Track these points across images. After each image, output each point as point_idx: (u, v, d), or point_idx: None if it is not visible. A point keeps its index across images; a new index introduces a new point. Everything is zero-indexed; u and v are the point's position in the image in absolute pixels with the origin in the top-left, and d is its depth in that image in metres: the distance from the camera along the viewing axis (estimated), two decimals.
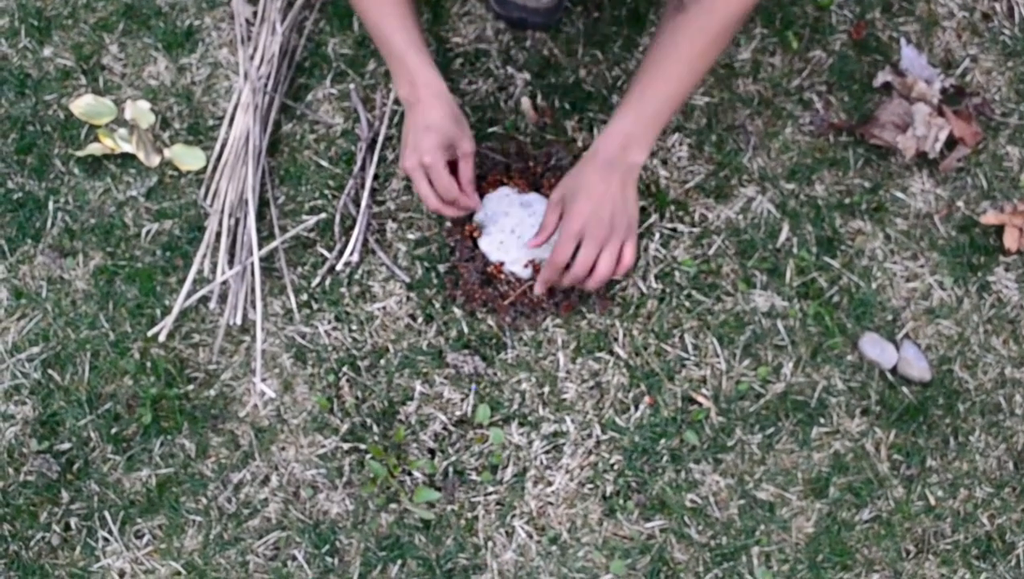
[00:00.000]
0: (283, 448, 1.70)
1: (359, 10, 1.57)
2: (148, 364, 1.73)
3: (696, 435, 1.67)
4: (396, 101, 1.80)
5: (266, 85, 1.79)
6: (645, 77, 1.50)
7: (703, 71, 1.49)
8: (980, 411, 1.68)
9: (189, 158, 1.80)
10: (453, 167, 1.60)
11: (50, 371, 1.74)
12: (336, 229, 1.75)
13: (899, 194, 1.75)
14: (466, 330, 1.72)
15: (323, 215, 1.76)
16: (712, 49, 1.46)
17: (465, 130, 1.58)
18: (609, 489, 1.67)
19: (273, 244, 1.73)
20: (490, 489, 1.67)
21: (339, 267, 1.73)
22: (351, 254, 1.72)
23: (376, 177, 1.78)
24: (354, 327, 1.73)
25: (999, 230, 1.72)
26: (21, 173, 1.82)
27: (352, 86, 1.81)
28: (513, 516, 1.67)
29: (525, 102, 1.77)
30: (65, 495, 1.70)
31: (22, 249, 1.79)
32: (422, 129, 1.54)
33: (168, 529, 1.69)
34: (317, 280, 1.74)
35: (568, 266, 1.55)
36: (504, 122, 1.79)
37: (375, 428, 1.70)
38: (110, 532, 1.69)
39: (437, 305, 1.73)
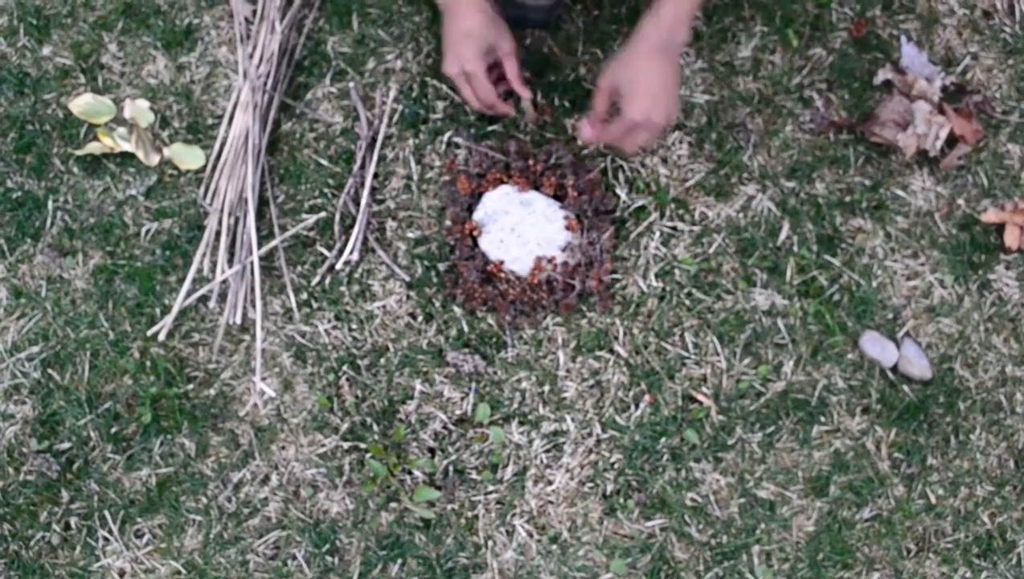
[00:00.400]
0: (283, 447, 1.70)
1: None
2: (148, 363, 1.73)
3: (696, 434, 1.67)
4: (395, 100, 1.80)
5: (265, 84, 1.79)
6: None
7: None
8: (981, 409, 1.68)
9: (188, 157, 1.80)
10: (496, 66, 1.64)
11: (50, 370, 1.74)
12: (336, 228, 1.75)
13: (899, 192, 1.75)
14: (466, 329, 1.72)
15: (323, 214, 1.76)
16: None
17: (503, 31, 1.62)
18: (609, 488, 1.67)
19: (273, 243, 1.73)
20: (490, 488, 1.67)
21: (339, 265, 1.73)
22: (351, 253, 1.72)
23: (376, 176, 1.78)
24: (354, 326, 1.73)
25: (1000, 228, 1.72)
26: (20, 172, 1.82)
27: (352, 84, 1.81)
28: (513, 515, 1.67)
29: (525, 102, 1.77)
30: (65, 494, 1.70)
31: (22, 248, 1.79)
32: (461, 37, 1.58)
33: (168, 528, 1.69)
34: (317, 279, 1.74)
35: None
36: (504, 120, 1.78)
37: (375, 427, 1.69)
38: (110, 531, 1.69)
39: (437, 304, 1.73)
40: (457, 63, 1.60)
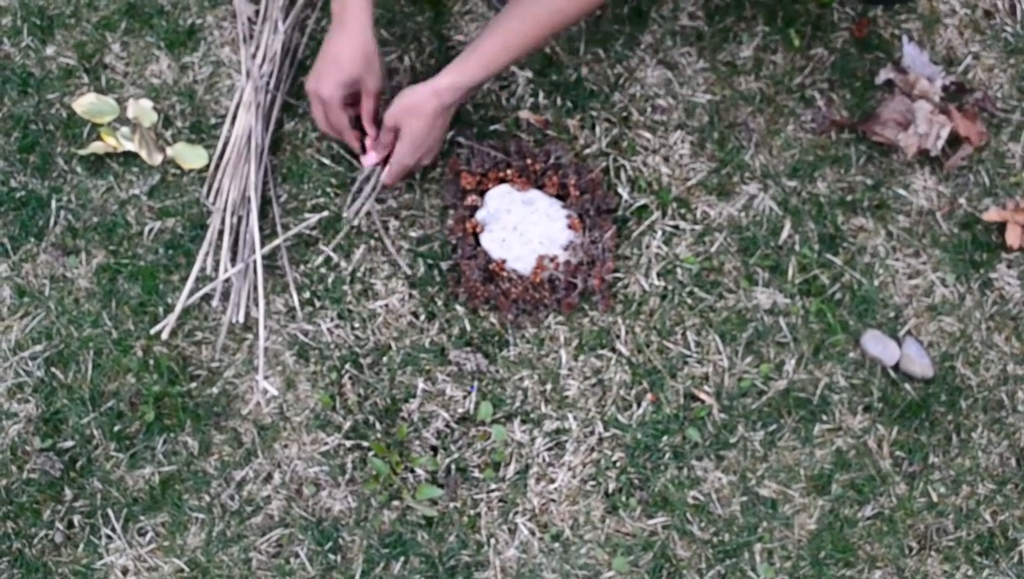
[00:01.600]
0: (286, 445, 1.70)
1: None
2: (151, 362, 1.73)
3: (698, 432, 1.68)
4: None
5: (268, 83, 1.80)
6: (495, 23, 1.60)
7: (528, 46, 1.59)
8: (982, 408, 1.68)
9: (191, 156, 1.81)
10: (358, 98, 1.66)
11: (53, 369, 1.74)
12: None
13: (901, 191, 1.75)
14: (468, 327, 1.72)
15: (325, 213, 1.76)
16: (541, 29, 1.57)
17: (374, 69, 1.63)
18: (611, 486, 1.67)
19: (276, 242, 1.74)
20: (492, 486, 1.68)
21: (347, 214, 1.75)
22: (365, 202, 1.74)
23: None
24: (356, 325, 1.73)
25: (1001, 227, 1.73)
26: (24, 172, 1.82)
27: None
28: (515, 513, 1.67)
29: (525, 113, 1.78)
30: (68, 493, 1.71)
31: (25, 248, 1.80)
32: (329, 61, 1.61)
33: (171, 526, 1.69)
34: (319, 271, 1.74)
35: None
36: (506, 120, 1.79)
37: (377, 425, 1.70)
38: (113, 530, 1.69)
39: (439, 302, 1.73)
40: (316, 83, 1.63)
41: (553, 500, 1.67)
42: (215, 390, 1.72)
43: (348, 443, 1.69)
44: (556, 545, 1.66)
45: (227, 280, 1.73)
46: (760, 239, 1.73)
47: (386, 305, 1.74)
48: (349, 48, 1.60)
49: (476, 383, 1.70)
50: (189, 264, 1.76)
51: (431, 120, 1.62)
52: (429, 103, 1.60)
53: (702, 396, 1.69)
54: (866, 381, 1.69)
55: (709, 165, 1.76)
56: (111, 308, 1.76)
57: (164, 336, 1.72)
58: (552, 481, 1.67)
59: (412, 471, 1.68)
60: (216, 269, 1.75)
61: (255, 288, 1.73)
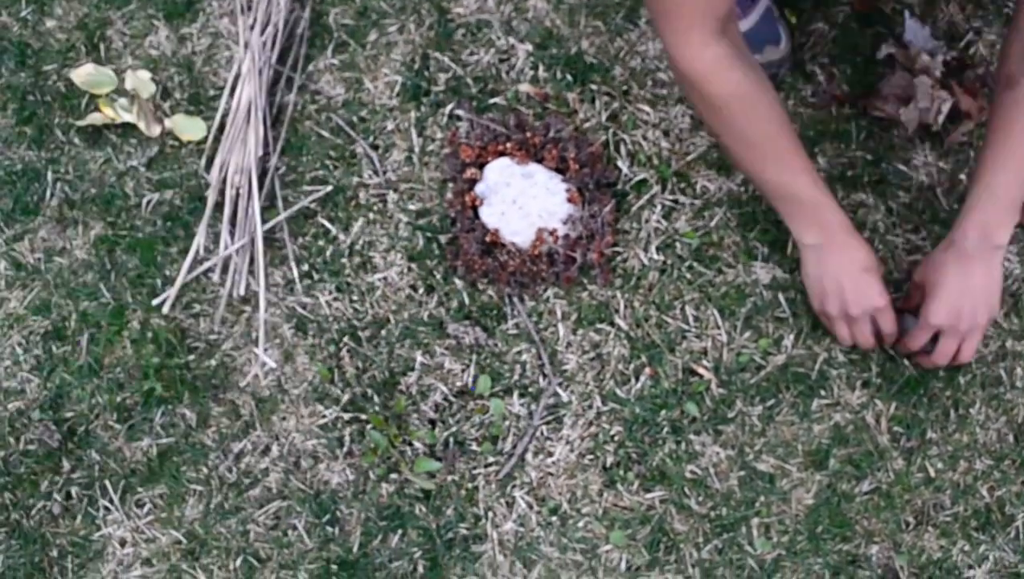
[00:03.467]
0: (284, 418, 1.70)
1: (755, 169, 1.50)
2: (149, 334, 1.73)
3: (697, 407, 1.68)
4: (397, 72, 1.80)
5: (267, 56, 1.79)
6: (991, 158, 1.47)
7: None
8: (981, 384, 1.68)
9: (190, 128, 1.80)
10: None
11: (51, 341, 1.74)
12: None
13: (901, 167, 1.75)
14: (467, 301, 1.72)
15: (329, 187, 1.76)
16: None
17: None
18: (609, 460, 1.67)
19: (279, 218, 1.73)
20: (490, 459, 1.68)
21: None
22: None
23: (376, 148, 1.78)
24: (355, 298, 1.73)
25: None
26: (21, 144, 1.82)
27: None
28: (513, 487, 1.67)
29: (525, 86, 1.77)
30: (66, 464, 1.71)
31: (21, 220, 1.79)
32: (860, 272, 1.52)
33: (169, 498, 1.69)
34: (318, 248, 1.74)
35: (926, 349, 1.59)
36: (505, 93, 1.78)
37: (376, 398, 1.70)
38: (111, 501, 1.69)
39: (438, 276, 1.73)
40: (863, 302, 1.54)
41: (551, 474, 1.67)
42: (213, 362, 1.72)
43: (346, 416, 1.69)
44: (554, 518, 1.66)
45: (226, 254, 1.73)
46: (760, 214, 1.73)
47: (385, 278, 1.74)
48: (869, 251, 1.53)
49: (476, 356, 1.71)
50: (188, 236, 1.76)
51: (954, 272, 1.50)
52: (946, 254, 1.51)
53: (700, 371, 1.69)
54: (865, 356, 1.68)
55: (709, 139, 1.75)
56: (109, 280, 1.76)
57: (165, 309, 1.72)
58: (550, 455, 1.68)
59: (410, 444, 1.68)
60: (215, 242, 1.75)
61: (253, 261, 1.73)
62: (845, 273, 1.53)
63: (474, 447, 1.68)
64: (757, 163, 1.50)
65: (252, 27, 1.81)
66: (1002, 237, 1.48)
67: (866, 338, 1.60)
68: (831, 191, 1.53)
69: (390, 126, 1.79)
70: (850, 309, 1.55)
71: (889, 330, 1.59)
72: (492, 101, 1.78)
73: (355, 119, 1.80)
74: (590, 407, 1.69)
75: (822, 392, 1.68)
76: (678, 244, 1.72)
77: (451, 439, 1.69)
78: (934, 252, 1.54)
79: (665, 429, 1.67)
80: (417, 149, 1.77)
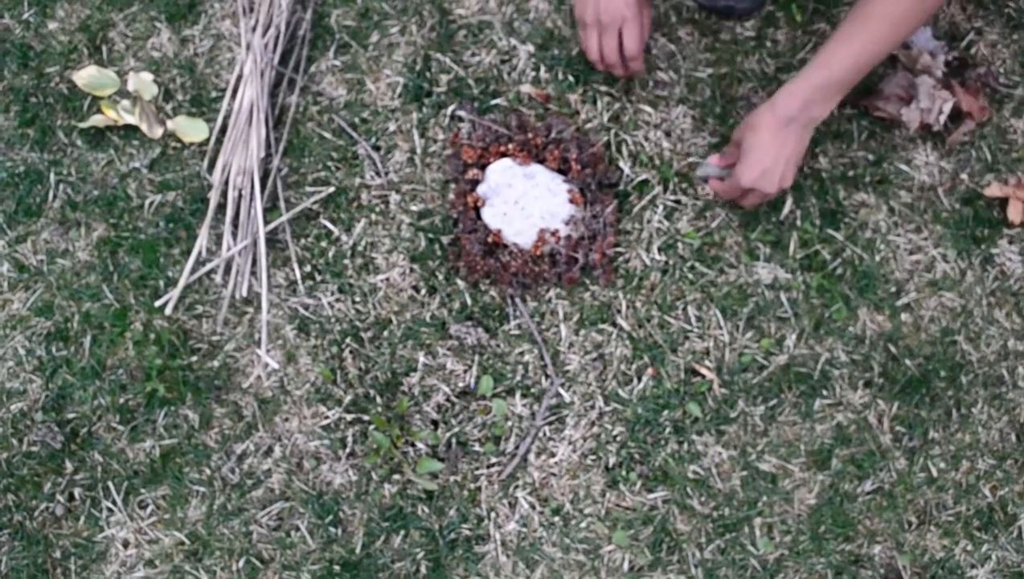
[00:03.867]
0: (286, 419, 1.71)
1: None
2: (151, 335, 1.73)
3: (699, 407, 1.68)
4: (399, 73, 1.80)
5: (269, 57, 1.79)
6: (837, 38, 1.52)
7: (904, 34, 1.51)
8: (983, 383, 1.68)
9: (192, 130, 1.80)
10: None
11: (54, 343, 1.74)
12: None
13: (903, 166, 1.75)
14: (469, 302, 1.72)
15: (331, 188, 1.76)
16: (907, 19, 1.48)
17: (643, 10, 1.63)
18: (612, 460, 1.67)
19: (281, 219, 1.73)
20: (493, 460, 1.68)
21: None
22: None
23: (378, 149, 1.78)
24: (357, 298, 1.73)
25: (1003, 203, 1.72)
26: (23, 146, 1.82)
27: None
28: (516, 487, 1.67)
29: (526, 87, 1.78)
30: (69, 465, 1.71)
31: (24, 221, 1.79)
32: None
33: (172, 499, 1.69)
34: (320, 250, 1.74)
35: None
36: (507, 94, 1.78)
37: (378, 399, 1.70)
38: (114, 502, 1.69)
39: (440, 277, 1.73)
40: (611, 12, 1.59)
41: (553, 474, 1.67)
42: (216, 363, 1.73)
43: (349, 417, 1.70)
44: (556, 519, 1.66)
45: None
46: (761, 214, 1.73)
47: (387, 279, 1.74)
48: None
49: (478, 356, 1.71)
50: (190, 237, 1.76)
51: (768, 135, 1.55)
52: (764, 117, 1.55)
53: (703, 371, 1.69)
54: (867, 356, 1.69)
55: (711, 140, 1.76)
56: (112, 282, 1.76)
57: (168, 311, 1.72)
58: (553, 455, 1.68)
59: (413, 445, 1.68)
60: (218, 243, 1.75)
61: (255, 262, 1.73)
62: None
63: (476, 448, 1.68)
64: None
65: (254, 29, 1.82)
66: (821, 113, 1.54)
67: (611, 50, 1.64)
68: None
69: (392, 127, 1.79)
70: (601, 15, 1.60)
71: (632, 46, 1.63)
72: (494, 102, 1.79)
73: (357, 120, 1.80)
74: (592, 407, 1.69)
75: (824, 392, 1.68)
76: (680, 244, 1.72)
77: (453, 440, 1.69)
78: (754, 113, 1.58)
79: (667, 429, 1.68)
80: (419, 150, 1.77)
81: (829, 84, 1.52)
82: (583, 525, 1.66)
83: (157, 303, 1.73)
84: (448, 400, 1.70)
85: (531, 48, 1.80)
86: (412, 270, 1.74)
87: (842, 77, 1.51)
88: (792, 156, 1.57)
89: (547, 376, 1.70)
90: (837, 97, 1.54)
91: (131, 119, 1.80)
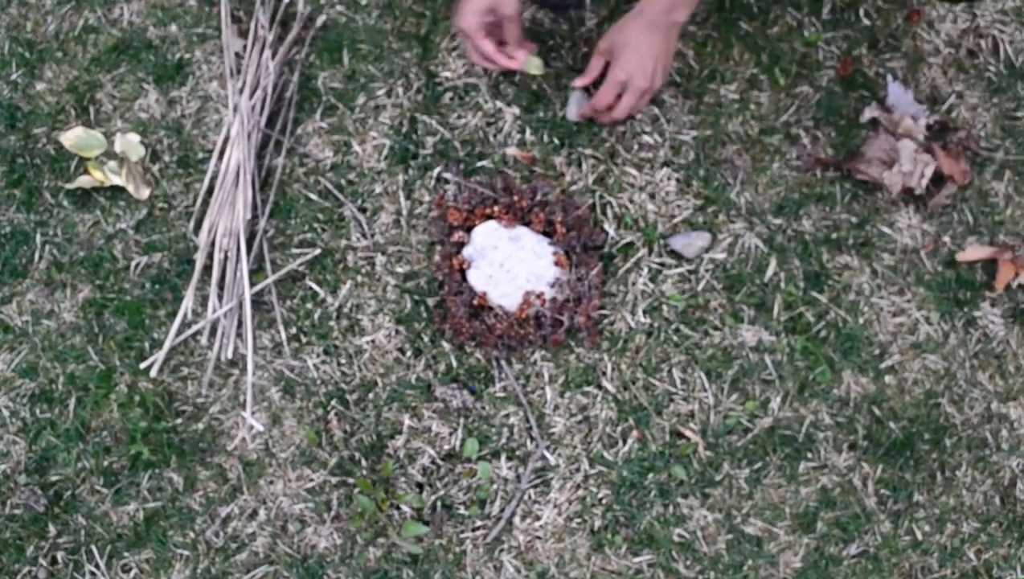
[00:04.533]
0: (271, 482, 1.70)
1: None
2: (136, 397, 1.73)
3: (684, 469, 1.68)
4: (385, 135, 1.81)
5: (256, 119, 1.80)
6: None
7: None
8: (967, 446, 1.69)
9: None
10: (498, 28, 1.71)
11: (38, 404, 1.74)
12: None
13: (886, 229, 1.76)
14: (455, 364, 1.72)
15: (317, 250, 1.76)
16: None
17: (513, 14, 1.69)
18: (597, 523, 1.67)
19: (266, 281, 1.74)
20: (478, 523, 1.67)
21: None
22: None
23: (364, 211, 1.78)
24: (343, 360, 1.73)
25: (985, 265, 1.74)
26: (10, 206, 1.82)
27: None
28: (501, 550, 1.67)
29: (512, 150, 1.79)
30: (52, 528, 1.70)
31: (10, 282, 1.79)
32: None
33: (155, 563, 1.68)
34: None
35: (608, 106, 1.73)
36: (492, 156, 1.79)
37: (363, 462, 1.70)
38: (97, 566, 1.68)
39: (426, 339, 1.73)
40: (458, 20, 1.67)
41: (539, 537, 1.67)
42: (201, 426, 1.72)
43: (334, 480, 1.69)
44: None
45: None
46: (746, 276, 1.74)
47: (372, 341, 1.74)
48: None
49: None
50: (176, 299, 1.76)
51: (638, 33, 1.63)
52: (633, 21, 1.63)
53: (688, 433, 1.69)
54: (851, 419, 1.69)
55: (695, 202, 1.77)
56: (97, 343, 1.76)
57: (153, 373, 1.72)
58: (538, 518, 1.67)
59: (398, 508, 1.68)
60: (204, 305, 1.75)
61: (243, 325, 1.73)
62: None
63: (462, 511, 1.68)
64: None
65: (241, 91, 1.83)
66: (682, 16, 1.62)
67: (476, 57, 1.71)
68: None
69: (378, 189, 1.80)
70: (458, 24, 1.68)
71: (484, 50, 1.68)
72: (480, 164, 1.80)
73: (343, 182, 1.81)
74: (578, 470, 1.69)
75: (809, 454, 1.69)
76: (665, 307, 1.73)
77: (439, 503, 1.68)
78: (621, 21, 1.66)
79: (653, 492, 1.68)
80: (405, 212, 1.78)
81: None
82: None
83: (142, 365, 1.73)
84: (433, 463, 1.70)
85: (516, 110, 1.81)
86: (398, 332, 1.74)
87: None
88: (661, 55, 1.65)
89: (532, 438, 1.70)
90: (695, 3, 1.62)
91: (118, 180, 1.81)
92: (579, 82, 1.74)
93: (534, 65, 1.71)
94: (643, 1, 1.63)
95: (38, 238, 1.81)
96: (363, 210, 1.79)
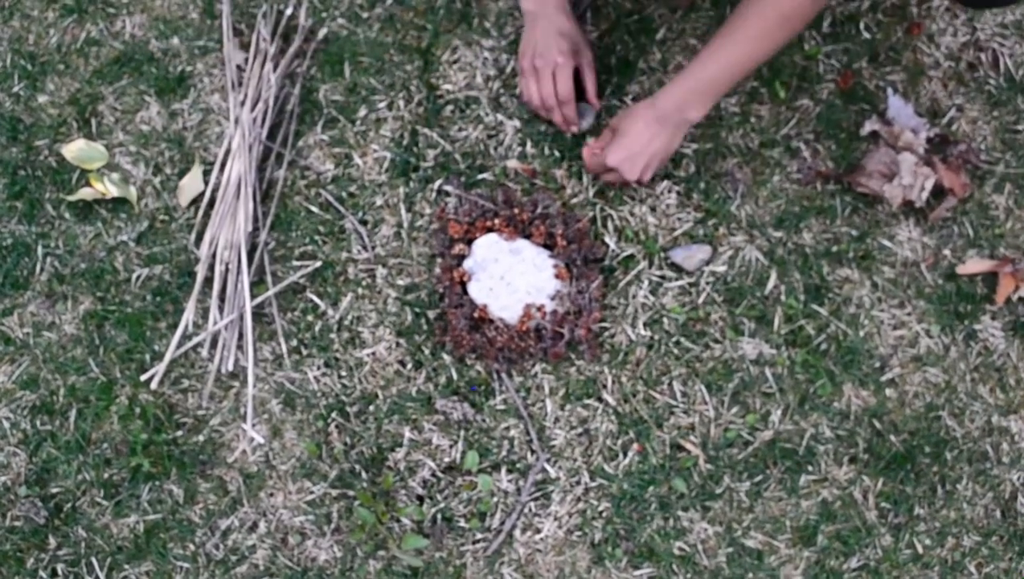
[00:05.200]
0: (271, 494, 1.70)
1: None
2: (137, 410, 1.73)
3: (684, 482, 1.68)
4: (386, 147, 1.82)
5: (257, 131, 1.80)
6: (714, 44, 1.59)
7: (769, 49, 1.58)
8: (968, 459, 1.69)
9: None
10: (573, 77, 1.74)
11: (39, 416, 1.74)
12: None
13: (886, 242, 1.76)
14: (455, 376, 1.72)
15: (317, 262, 1.77)
16: (780, 29, 1.56)
17: (589, 41, 1.77)
18: (598, 536, 1.67)
19: (267, 294, 1.74)
20: (478, 536, 1.67)
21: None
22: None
23: (365, 223, 1.79)
24: (343, 373, 1.73)
25: (985, 278, 1.74)
26: (11, 218, 1.83)
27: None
28: (501, 563, 1.67)
29: (513, 162, 1.79)
30: (52, 541, 1.70)
31: (11, 294, 1.80)
32: (554, 35, 1.70)
33: (155, 576, 1.68)
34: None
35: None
36: (494, 169, 1.80)
37: (364, 474, 1.70)
38: (97, 578, 1.68)
39: (426, 351, 1.74)
40: (545, 57, 1.70)
41: (539, 550, 1.67)
42: (201, 438, 1.72)
43: (334, 492, 1.69)
44: None
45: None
46: (746, 289, 1.74)
47: (373, 353, 1.74)
48: (570, 22, 1.72)
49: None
50: (176, 311, 1.76)
51: (643, 125, 1.65)
52: (644, 110, 1.65)
53: (688, 446, 1.69)
54: (851, 432, 1.69)
55: (695, 215, 1.77)
56: (98, 355, 1.76)
57: (153, 385, 1.72)
58: (538, 531, 1.67)
59: (398, 521, 1.68)
60: (204, 317, 1.75)
61: (243, 337, 1.73)
62: (543, 33, 1.71)
63: (462, 523, 1.68)
64: None
65: (243, 103, 1.83)
66: (695, 115, 1.64)
67: (548, 94, 1.73)
68: None
69: (379, 201, 1.80)
70: (536, 60, 1.71)
71: (563, 90, 1.73)
72: (480, 177, 1.80)
73: (344, 194, 1.81)
74: (578, 483, 1.69)
75: (809, 468, 1.68)
76: (665, 320, 1.73)
77: (439, 515, 1.68)
78: (637, 105, 1.68)
79: (653, 505, 1.67)
80: (406, 224, 1.78)
81: (702, 91, 1.61)
82: None
83: (143, 377, 1.73)
84: (434, 475, 1.70)
85: (517, 123, 1.82)
86: (398, 345, 1.74)
87: (713, 87, 1.61)
88: (660, 151, 1.67)
89: (533, 451, 1.70)
90: (710, 103, 1.63)
91: (119, 192, 1.81)
92: (586, 152, 1.74)
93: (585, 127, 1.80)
94: (659, 93, 1.65)
95: (39, 250, 1.81)
96: (364, 222, 1.79)
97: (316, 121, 1.85)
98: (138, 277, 1.79)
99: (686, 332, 1.73)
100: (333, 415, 1.72)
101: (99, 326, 1.77)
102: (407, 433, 1.71)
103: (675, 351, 1.72)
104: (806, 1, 1.51)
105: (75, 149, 1.84)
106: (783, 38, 1.56)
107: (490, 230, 1.74)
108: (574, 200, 1.78)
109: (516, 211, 1.75)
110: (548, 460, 1.69)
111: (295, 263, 1.78)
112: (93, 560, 1.69)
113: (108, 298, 1.78)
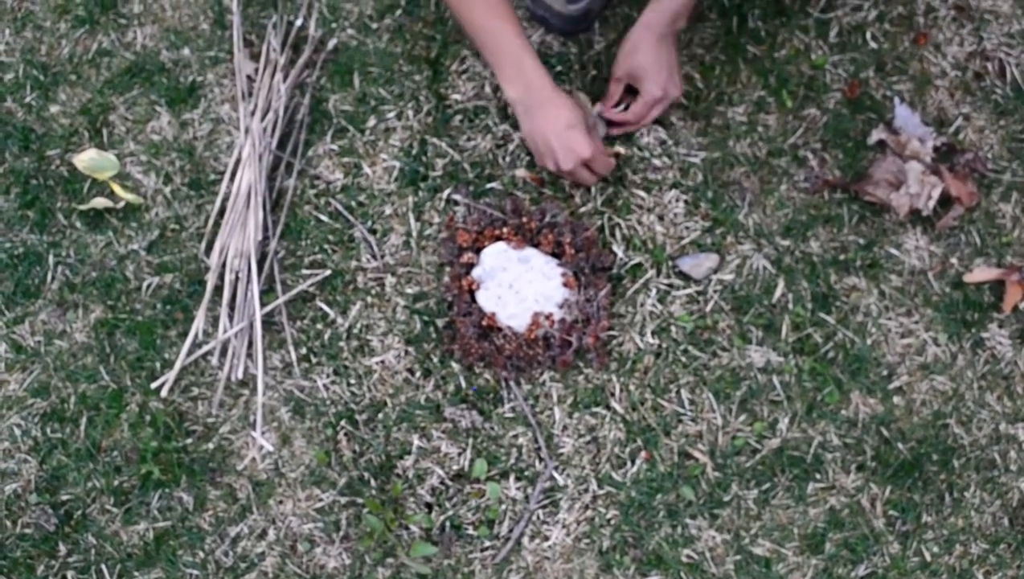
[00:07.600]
0: (281, 502, 1.71)
1: (462, 10, 1.66)
2: (147, 417, 1.74)
3: (692, 490, 1.68)
4: (395, 157, 1.83)
5: (267, 141, 1.81)
6: None
7: None
8: (975, 467, 1.69)
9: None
10: None
11: (49, 423, 1.75)
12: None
13: (893, 251, 1.76)
14: (464, 384, 1.73)
15: (326, 271, 1.78)
16: None
17: (586, 107, 1.77)
18: (606, 544, 1.67)
19: (276, 302, 1.75)
20: (487, 544, 1.68)
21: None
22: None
23: (374, 232, 1.80)
24: (352, 381, 1.74)
25: (992, 287, 1.74)
26: (23, 227, 1.84)
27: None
28: (510, 571, 1.67)
29: (521, 172, 1.80)
30: (62, 548, 1.71)
31: (22, 303, 1.81)
32: (565, 130, 1.67)
33: None
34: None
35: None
36: (502, 178, 1.81)
37: (372, 482, 1.70)
38: None
39: (435, 359, 1.74)
40: (573, 157, 1.68)
41: (547, 558, 1.67)
42: (211, 446, 1.73)
43: (343, 500, 1.70)
44: None
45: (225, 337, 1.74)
46: (754, 298, 1.74)
47: (382, 361, 1.75)
48: (568, 109, 1.67)
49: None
50: (187, 319, 1.77)
51: (654, 49, 1.69)
52: (643, 38, 1.69)
53: (696, 454, 1.69)
54: (859, 440, 1.69)
55: (703, 224, 1.78)
56: (108, 363, 1.77)
57: (164, 393, 1.73)
58: (547, 539, 1.68)
59: (406, 528, 1.68)
60: (214, 325, 1.76)
61: (252, 345, 1.74)
62: (551, 132, 1.68)
63: (471, 531, 1.68)
64: (464, 4, 1.64)
65: (253, 113, 1.84)
66: (682, 24, 1.71)
67: (588, 179, 1.75)
68: (536, 52, 1.68)
69: (388, 211, 1.81)
70: (562, 165, 1.70)
71: (602, 171, 1.74)
72: (489, 186, 1.81)
73: (354, 204, 1.82)
74: (586, 490, 1.69)
75: (817, 475, 1.69)
76: (673, 328, 1.74)
77: (447, 523, 1.69)
78: (630, 41, 1.72)
79: (661, 513, 1.68)
80: (415, 233, 1.79)
81: (684, 2, 1.67)
82: None
83: (153, 385, 1.74)
84: (442, 483, 1.70)
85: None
86: (407, 353, 1.75)
87: None
88: (676, 62, 1.73)
89: (541, 459, 1.70)
90: (693, 9, 1.70)
91: (131, 197, 1.82)
92: (600, 107, 1.77)
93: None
94: (645, 19, 1.69)
95: (51, 259, 1.82)
96: (373, 231, 1.80)
97: (326, 131, 1.86)
98: (149, 285, 1.80)
99: (694, 340, 1.73)
100: (342, 423, 1.73)
101: (110, 334, 1.78)
102: (416, 441, 1.71)
103: (683, 359, 1.73)
104: None
105: (86, 159, 1.85)
106: None
107: (499, 239, 1.75)
108: (582, 209, 1.79)
109: (524, 220, 1.76)
110: (556, 468, 1.70)
111: (305, 272, 1.79)
112: (103, 567, 1.70)
113: (119, 306, 1.79)
